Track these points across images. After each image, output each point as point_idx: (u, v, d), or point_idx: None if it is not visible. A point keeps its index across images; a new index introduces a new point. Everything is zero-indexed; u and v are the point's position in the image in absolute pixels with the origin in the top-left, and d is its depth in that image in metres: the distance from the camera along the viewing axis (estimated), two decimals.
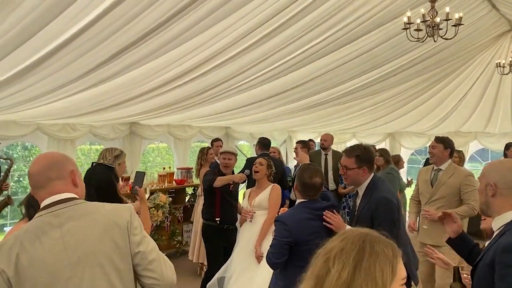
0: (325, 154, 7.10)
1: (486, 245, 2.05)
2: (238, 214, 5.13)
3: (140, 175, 3.56)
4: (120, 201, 3.25)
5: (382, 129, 11.73)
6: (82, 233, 1.73)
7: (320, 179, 2.98)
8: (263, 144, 6.34)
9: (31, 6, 2.85)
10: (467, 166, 9.43)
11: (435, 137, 4.52)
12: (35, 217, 1.78)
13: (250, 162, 6.36)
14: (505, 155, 6.92)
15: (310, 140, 8.65)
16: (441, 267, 2.56)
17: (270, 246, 2.92)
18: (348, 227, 2.89)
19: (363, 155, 3.05)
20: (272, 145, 6.91)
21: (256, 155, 6.41)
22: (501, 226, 1.97)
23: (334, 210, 3.00)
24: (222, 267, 4.59)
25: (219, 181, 4.75)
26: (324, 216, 2.90)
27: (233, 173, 5.32)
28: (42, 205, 1.79)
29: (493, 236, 1.99)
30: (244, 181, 5.03)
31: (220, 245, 4.93)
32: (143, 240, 1.82)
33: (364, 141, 12.64)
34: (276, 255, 2.82)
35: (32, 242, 1.69)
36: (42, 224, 1.73)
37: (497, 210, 1.99)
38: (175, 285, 1.86)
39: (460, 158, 6.04)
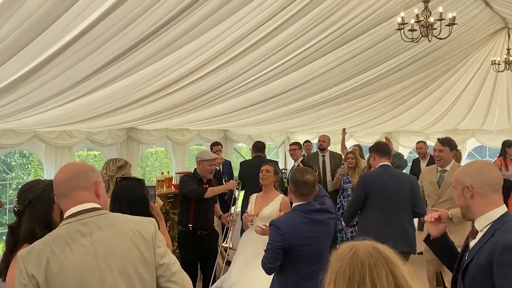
0: (322, 155, 7.12)
1: (471, 246, 2.05)
2: (217, 218, 5.14)
3: (152, 190, 3.30)
4: (153, 217, 2.98)
5: (380, 128, 11.76)
6: (110, 242, 1.76)
7: (313, 177, 2.98)
8: (258, 147, 6.40)
9: (26, 14, 2.86)
10: (464, 163, 9.44)
11: (439, 139, 4.43)
12: (61, 224, 1.80)
13: (244, 165, 6.39)
14: (505, 152, 6.95)
15: (307, 141, 8.67)
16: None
17: (264, 250, 2.93)
18: None
19: None
20: (272, 146, 6.99)
21: (251, 158, 6.44)
22: (487, 225, 1.99)
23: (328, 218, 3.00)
24: (221, 277, 4.57)
25: (211, 192, 4.72)
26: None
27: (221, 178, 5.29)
28: (67, 214, 1.81)
29: (480, 237, 2.00)
30: (238, 187, 4.94)
31: (193, 251, 4.85)
32: (166, 252, 1.88)
33: (361, 141, 12.66)
34: (270, 260, 2.83)
35: (62, 248, 1.71)
36: (71, 231, 1.75)
37: (478, 211, 2.03)
38: None
39: (457, 157, 6.06)
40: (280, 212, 4.19)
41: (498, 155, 7.35)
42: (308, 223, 2.90)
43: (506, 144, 7.00)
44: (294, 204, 3.05)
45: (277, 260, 2.81)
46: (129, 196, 2.92)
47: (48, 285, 1.66)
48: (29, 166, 9.97)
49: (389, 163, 4.56)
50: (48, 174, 6.45)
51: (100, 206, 1.86)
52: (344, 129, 8.39)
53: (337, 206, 6.46)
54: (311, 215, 2.93)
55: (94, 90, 4.62)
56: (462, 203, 2.09)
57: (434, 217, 2.25)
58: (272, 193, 4.43)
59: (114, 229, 1.80)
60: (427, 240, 2.37)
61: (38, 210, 2.06)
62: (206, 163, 4.86)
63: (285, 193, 6.64)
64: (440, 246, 2.33)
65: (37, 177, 7.43)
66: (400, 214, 4.40)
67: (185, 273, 1.94)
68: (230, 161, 5.07)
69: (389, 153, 4.67)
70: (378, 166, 4.55)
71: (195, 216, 4.80)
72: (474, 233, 2.07)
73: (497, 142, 9.99)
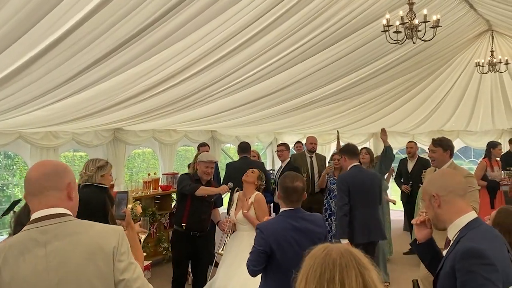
0: (310, 156, 7.14)
1: (444, 254, 2.09)
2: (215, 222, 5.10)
3: (123, 196, 3.12)
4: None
5: (366, 129, 11.84)
6: (65, 254, 1.67)
7: (302, 183, 2.99)
8: (242, 148, 6.39)
9: (9, 14, 2.84)
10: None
11: (433, 140, 4.43)
12: (23, 229, 1.73)
13: (229, 167, 6.36)
14: (489, 153, 7.03)
15: (298, 142, 8.69)
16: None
17: (249, 253, 2.93)
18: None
19: None
20: (260, 147, 6.96)
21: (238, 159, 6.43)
22: (456, 233, 2.02)
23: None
24: (208, 282, 4.58)
25: (203, 191, 4.68)
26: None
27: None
28: (32, 217, 1.74)
29: (450, 244, 2.03)
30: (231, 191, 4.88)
31: (184, 251, 4.85)
32: (129, 267, 1.75)
33: (348, 141, 12.73)
34: (253, 263, 2.84)
35: (16, 258, 1.65)
36: (27, 240, 1.68)
37: (447, 219, 2.05)
38: None
39: None
40: (254, 210, 4.37)
41: (483, 156, 7.45)
42: (292, 229, 2.89)
43: (490, 145, 7.08)
44: (281, 209, 3.04)
45: (260, 263, 2.82)
46: (86, 203, 2.69)
47: None
48: (14, 167, 9.86)
49: (358, 163, 5.24)
50: None
51: (68, 212, 1.77)
52: (338, 132, 8.53)
53: (324, 207, 6.43)
54: (297, 221, 2.93)
55: (79, 90, 4.59)
56: (431, 213, 2.11)
57: (420, 220, 2.27)
58: (249, 193, 4.53)
59: (73, 240, 1.70)
60: (413, 243, 2.39)
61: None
62: (202, 164, 4.85)
63: (272, 195, 6.66)
64: (423, 251, 2.33)
65: (22, 179, 7.34)
66: (376, 208, 5.16)
67: (151, 287, 1.82)
68: (216, 162, 5.04)
69: (358, 154, 5.41)
70: (350, 166, 5.14)
71: (189, 216, 4.79)
72: (447, 243, 2.11)
73: (482, 143, 10.14)
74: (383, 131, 6.64)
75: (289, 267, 2.80)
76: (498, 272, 1.83)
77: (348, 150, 5.22)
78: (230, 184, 4.75)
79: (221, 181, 6.25)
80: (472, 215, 2.04)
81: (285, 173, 3.11)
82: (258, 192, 4.53)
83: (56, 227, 1.71)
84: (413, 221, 2.36)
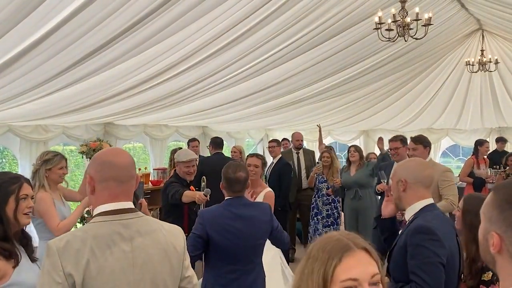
0: (296, 153, 7.15)
1: (400, 232, 2.29)
2: None
3: (138, 187, 3.04)
4: None
5: (357, 127, 11.91)
6: (148, 251, 1.65)
7: (244, 173, 2.96)
8: (216, 143, 6.12)
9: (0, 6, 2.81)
10: (439, 161, 9.64)
11: (412, 138, 4.47)
12: (97, 220, 1.62)
13: (203, 163, 5.68)
14: (477, 151, 7.10)
15: (284, 139, 8.69)
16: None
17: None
18: None
19: None
20: (251, 143, 6.84)
21: (210, 155, 6.21)
22: (412, 215, 2.20)
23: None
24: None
25: (186, 197, 4.04)
26: None
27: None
28: (102, 209, 1.64)
29: (406, 224, 2.22)
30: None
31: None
32: (189, 264, 1.80)
33: (339, 139, 12.80)
34: (191, 248, 2.70)
35: (102, 250, 1.56)
36: (112, 232, 1.60)
37: (407, 202, 2.23)
38: None
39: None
40: None
41: (471, 153, 7.52)
42: (230, 217, 2.88)
43: (478, 143, 7.15)
44: (225, 198, 3.01)
45: (197, 249, 2.79)
46: None
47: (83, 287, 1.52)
48: (3, 160, 9.75)
49: None
50: (23, 169, 6.34)
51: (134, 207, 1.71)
52: (319, 126, 8.43)
53: (311, 206, 6.33)
54: (237, 209, 2.91)
55: (71, 84, 4.56)
56: (395, 195, 2.29)
57: (380, 188, 2.47)
58: (258, 188, 4.13)
59: (152, 237, 1.67)
60: (377, 217, 2.61)
61: None
62: (182, 165, 4.29)
63: None
64: (385, 225, 2.55)
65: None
66: None
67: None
68: (196, 158, 4.58)
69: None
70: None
71: (190, 224, 3.94)
72: (404, 223, 2.30)
73: (471, 141, 10.23)
74: (380, 140, 6.69)
75: (229, 253, 2.84)
76: (445, 248, 2.05)
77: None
78: (207, 190, 4.04)
79: None
80: (429, 201, 2.23)
81: (228, 163, 3.06)
82: (269, 189, 4.16)
83: (136, 221, 1.66)
84: (378, 186, 2.49)
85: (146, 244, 1.65)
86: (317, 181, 6.31)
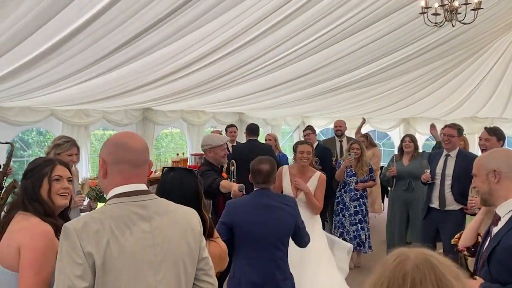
0: (339, 140, 7.04)
1: (494, 232, 2.05)
2: None
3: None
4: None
5: (396, 115, 11.60)
6: (168, 231, 1.64)
7: (268, 166, 3.01)
8: (251, 130, 5.99)
9: None
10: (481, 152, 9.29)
11: (486, 128, 4.26)
12: (112, 202, 1.59)
13: (236, 149, 5.79)
14: None
15: (307, 128, 8.35)
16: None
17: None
18: None
19: None
20: (287, 130, 6.74)
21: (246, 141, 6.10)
22: (510, 211, 1.99)
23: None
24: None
25: (223, 188, 3.83)
26: None
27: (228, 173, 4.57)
28: (117, 191, 1.61)
29: (505, 222, 2.00)
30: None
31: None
32: (205, 246, 1.81)
33: (378, 127, 12.53)
34: (219, 234, 2.74)
35: (122, 231, 1.53)
36: (130, 213, 1.57)
37: (502, 195, 2.02)
38: None
39: (465, 142, 5.85)
40: (315, 191, 4.18)
41: None
42: (254, 206, 2.98)
43: None
44: (254, 189, 3.12)
45: (223, 235, 2.83)
46: (179, 188, 2.37)
47: (104, 269, 1.47)
48: (46, 144, 10.08)
49: None
50: None
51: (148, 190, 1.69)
52: (363, 119, 8.28)
53: (336, 201, 5.82)
54: (262, 199, 3.00)
55: (110, 69, 4.63)
56: (485, 188, 2.07)
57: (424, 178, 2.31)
58: (308, 173, 4.30)
59: (170, 217, 1.66)
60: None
61: (28, 183, 2.01)
62: (218, 149, 4.14)
63: None
64: (473, 252, 2.39)
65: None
66: None
67: None
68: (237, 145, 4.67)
69: None
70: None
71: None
72: (496, 220, 2.06)
73: None
74: (433, 127, 6.44)
75: (253, 245, 2.94)
76: None
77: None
78: (242, 186, 3.82)
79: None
80: None
81: (258, 157, 3.13)
82: (320, 172, 4.33)
83: (152, 202, 1.65)
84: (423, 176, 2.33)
85: (165, 225, 1.63)
86: (345, 175, 5.79)
